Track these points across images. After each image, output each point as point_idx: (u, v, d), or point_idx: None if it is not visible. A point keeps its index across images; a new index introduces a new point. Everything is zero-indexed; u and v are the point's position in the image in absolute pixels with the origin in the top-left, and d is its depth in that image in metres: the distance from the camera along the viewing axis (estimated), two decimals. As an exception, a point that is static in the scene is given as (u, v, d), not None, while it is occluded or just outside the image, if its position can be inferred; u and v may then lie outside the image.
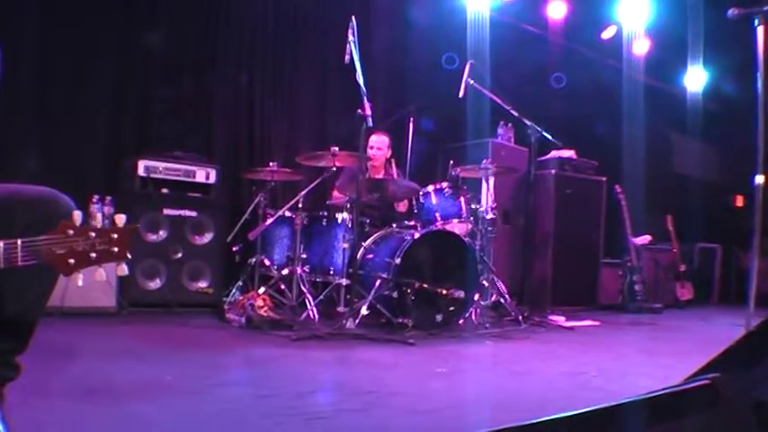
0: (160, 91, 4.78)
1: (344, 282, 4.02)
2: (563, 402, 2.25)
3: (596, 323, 4.77)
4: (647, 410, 0.88)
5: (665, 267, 6.61)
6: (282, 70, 5.45)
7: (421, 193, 4.26)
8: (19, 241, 1.25)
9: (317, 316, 3.82)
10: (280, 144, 5.37)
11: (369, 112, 3.53)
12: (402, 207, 4.69)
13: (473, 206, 4.31)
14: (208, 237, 4.28)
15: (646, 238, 6.19)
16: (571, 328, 4.37)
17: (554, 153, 5.78)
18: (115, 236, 1.34)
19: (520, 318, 4.29)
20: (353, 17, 3.66)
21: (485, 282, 4.40)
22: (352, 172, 4.39)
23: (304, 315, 3.85)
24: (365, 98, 3.55)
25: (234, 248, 4.46)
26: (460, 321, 3.98)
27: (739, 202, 7.63)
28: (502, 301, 4.49)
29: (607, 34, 6.96)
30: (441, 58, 5.89)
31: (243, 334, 3.53)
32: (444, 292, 3.84)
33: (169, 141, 4.54)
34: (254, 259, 4.27)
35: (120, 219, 1.36)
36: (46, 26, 4.29)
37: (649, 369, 3.03)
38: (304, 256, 4.20)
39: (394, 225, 4.33)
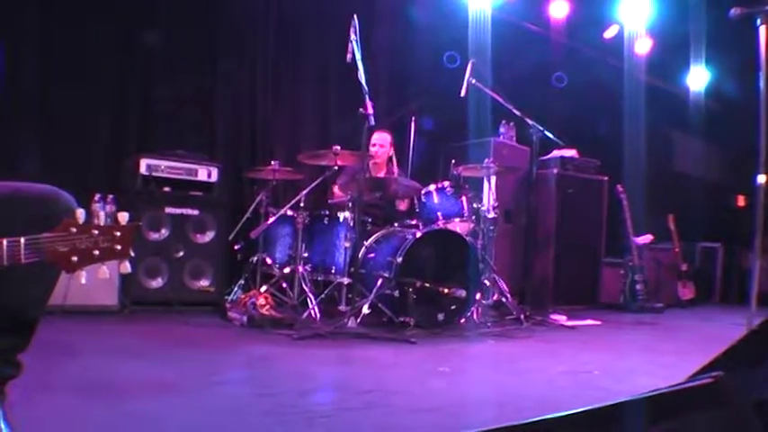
0: (162, 90, 4.78)
1: (346, 280, 4.02)
2: (564, 401, 2.25)
3: (598, 322, 4.77)
4: (650, 409, 0.88)
5: (666, 267, 6.60)
6: (284, 69, 5.44)
7: (423, 192, 4.26)
8: (22, 239, 1.25)
9: (318, 315, 3.82)
10: (281, 143, 5.36)
11: (370, 110, 3.52)
12: (404, 206, 4.70)
13: (475, 205, 4.31)
14: (210, 235, 4.28)
15: (647, 238, 6.18)
16: (572, 328, 4.37)
17: (556, 152, 5.77)
18: (118, 233, 1.33)
19: (521, 317, 4.29)
20: (355, 16, 3.65)
21: (486, 281, 4.40)
22: (354, 171, 4.39)
23: (305, 314, 3.86)
24: (367, 97, 3.55)
25: (236, 247, 4.48)
26: (462, 320, 3.99)
27: (741, 201, 7.61)
28: (503, 300, 4.49)
29: (609, 33, 6.95)
30: (442, 56, 5.87)
31: (244, 332, 3.54)
32: (446, 291, 3.84)
33: (171, 140, 4.55)
34: (255, 258, 4.28)
35: (123, 217, 1.35)
36: (47, 26, 4.30)
37: (651, 368, 3.03)
38: (306, 254, 4.21)
39: (396, 224, 4.33)
